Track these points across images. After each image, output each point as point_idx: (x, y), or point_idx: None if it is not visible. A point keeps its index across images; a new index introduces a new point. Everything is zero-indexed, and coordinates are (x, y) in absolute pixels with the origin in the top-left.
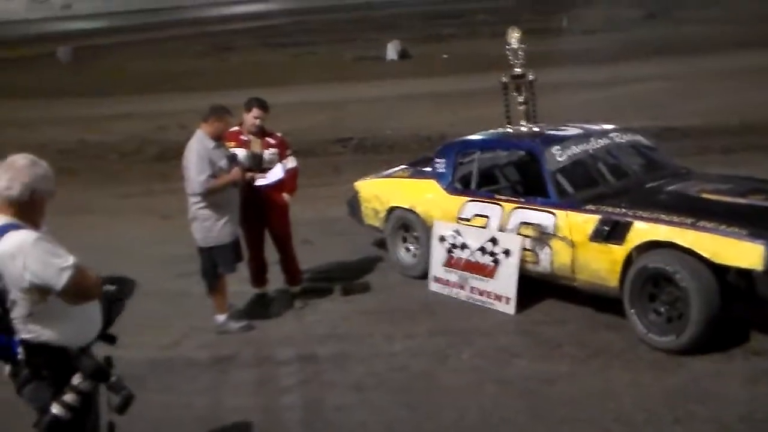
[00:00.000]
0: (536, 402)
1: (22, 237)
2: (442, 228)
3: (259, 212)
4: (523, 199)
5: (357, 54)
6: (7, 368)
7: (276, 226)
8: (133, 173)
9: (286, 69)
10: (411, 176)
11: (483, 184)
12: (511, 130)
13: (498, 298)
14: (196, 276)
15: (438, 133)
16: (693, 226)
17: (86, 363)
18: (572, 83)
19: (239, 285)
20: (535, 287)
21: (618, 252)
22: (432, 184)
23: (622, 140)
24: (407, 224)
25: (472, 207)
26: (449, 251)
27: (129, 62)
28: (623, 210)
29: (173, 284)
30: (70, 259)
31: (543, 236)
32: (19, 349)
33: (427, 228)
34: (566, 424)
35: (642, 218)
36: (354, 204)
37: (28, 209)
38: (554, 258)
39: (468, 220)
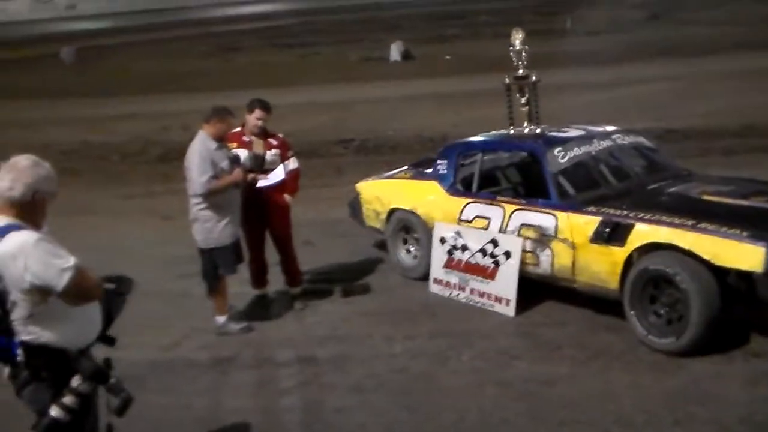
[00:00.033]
0: (536, 404)
1: (23, 238)
2: (443, 229)
3: (261, 213)
4: (524, 201)
5: (361, 55)
6: (7, 370)
7: (277, 227)
8: (135, 174)
9: (291, 70)
10: (412, 178)
11: (484, 186)
12: (513, 132)
13: (498, 299)
14: (196, 277)
15: (440, 134)
16: (694, 228)
17: (85, 365)
18: (575, 84)
19: (240, 286)
20: (535, 289)
21: (618, 254)
22: (433, 185)
23: (624, 142)
24: (408, 226)
25: (473, 208)
26: (450, 253)
27: (133, 63)
28: (624, 212)
29: (174, 285)
30: (71, 260)
31: (544, 238)
32: (19, 351)
33: (427, 229)
34: (566, 426)
35: (643, 220)
36: (355, 205)
37: (29, 210)
38: (555, 260)
39: (469, 221)
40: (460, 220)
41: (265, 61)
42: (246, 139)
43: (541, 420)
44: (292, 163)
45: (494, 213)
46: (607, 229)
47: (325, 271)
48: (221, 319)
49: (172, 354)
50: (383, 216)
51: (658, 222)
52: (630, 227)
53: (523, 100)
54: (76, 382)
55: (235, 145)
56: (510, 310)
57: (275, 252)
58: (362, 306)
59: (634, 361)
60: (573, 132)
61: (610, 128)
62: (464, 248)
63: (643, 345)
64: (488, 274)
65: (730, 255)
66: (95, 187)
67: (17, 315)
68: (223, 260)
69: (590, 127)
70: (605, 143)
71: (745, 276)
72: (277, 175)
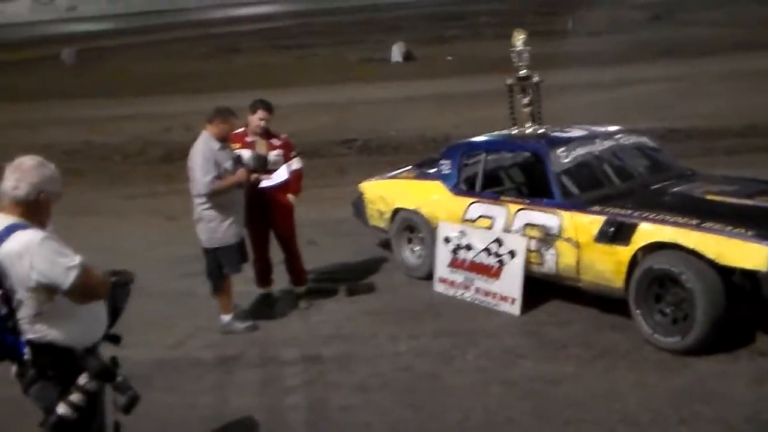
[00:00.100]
0: (541, 403)
1: (29, 236)
2: (447, 229)
3: (264, 213)
4: (528, 201)
5: (362, 56)
6: (14, 368)
7: (281, 226)
8: (138, 174)
9: (291, 71)
10: (416, 177)
11: (488, 186)
12: (516, 132)
13: (503, 298)
14: (201, 276)
15: (443, 135)
16: (698, 228)
17: (92, 363)
18: (577, 85)
19: (244, 285)
20: (540, 288)
21: (623, 253)
22: (437, 185)
23: (627, 142)
24: (412, 225)
25: (477, 208)
26: (454, 252)
27: (133, 64)
28: (628, 211)
29: (178, 284)
30: (77, 259)
31: (548, 237)
32: (26, 349)
33: (432, 229)
34: (571, 425)
35: (647, 219)
36: (359, 205)
37: (34, 210)
38: (559, 259)
39: (473, 221)
40: (464, 220)
41: (264, 63)
42: (249, 139)
43: (546, 419)
44: (295, 164)
45: (498, 212)
46: (612, 229)
47: (329, 270)
48: (226, 318)
49: (177, 353)
50: (387, 216)
51: (663, 221)
52: (634, 226)
53: (525, 101)
54: (83, 380)
55: (238, 145)
56: (515, 309)
57: (280, 251)
58: (367, 305)
59: (639, 360)
60: (576, 132)
61: (612, 128)
62: (469, 247)
63: (649, 344)
64: (493, 273)
65: (734, 254)
66: (98, 188)
67: (23, 314)
68: (227, 259)
69: (593, 128)
70: (608, 143)
71: (750, 275)
72: (281, 175)
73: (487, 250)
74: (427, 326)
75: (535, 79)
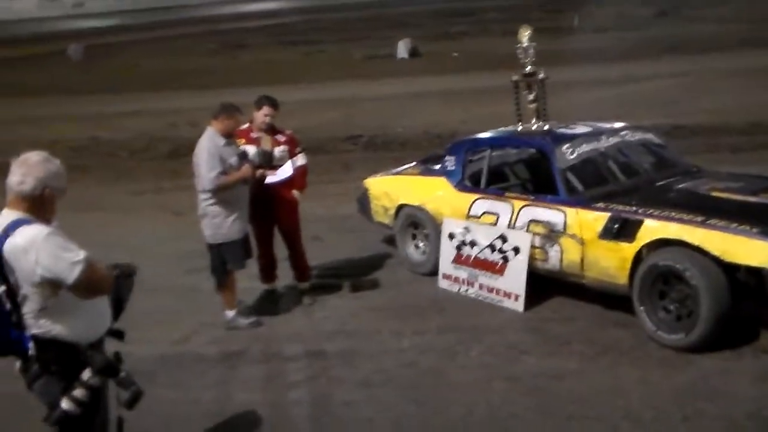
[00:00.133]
0: (545, 399)
1: (34, 231)
2: (452, 225)
3: (269, 209)
4: (532, 197)
5: (368, 52)
6: (18, 363)
7: (285, 222)
8: (144, 170)
9: (298, 67)
10: (421, 174)
11: (493, 182)
12: (521, 128)
13: (507, 295)
14: (206, 272)
15: (449, 131)
16: (703, 224)
17: (96, 358)
18: (583, 81)
19: (248, 281)
20: (544, 284)
21: (628, 250)
22: (442, 181)
23: (632, 138)
24: (417, 221)
25: (482, 204)
26: (458, 248)
27: (140, 60)
28: (633, 208)
29: (183, 280)
30: (81, 254)
31: (552, 234)
32: (30, 345)
33: (436, 225)
34: (575, 421)
35: (652, 216)
36: (364, 201)
37: (39, 205)
38: (563, 255)
39: (477, 217)
40: (468, 216)
41: (270, 59)
42: (254, 135)
43: (549, 415)
44: (300, 160)
45: (503, 209)
46: (616, 225)
47: (333, 266)
48: (230, 313)
49: (181, 348)
50: (392, 212)
51: (668, 218)
52: (639, 223)
53: (531, 97)
54: (86, 375)
55: (243, 141)
56: (519, 306)
57: (284, 247)
58: (371, 301)
59: (643, 356)
60: (581, 129)
61: (618, 125)
62: (473, 244)
63: (652, 341)
64: (497, 269)
65: (739, 251)
66: (104, 184)
67: (28, 309)
68: (231, 255)
69: (598, 124)
70: (613, 140)
71: (754, 272)
72: (286, 171)
73: (491, 246)
74: (431, 322)
75: (541, 75)
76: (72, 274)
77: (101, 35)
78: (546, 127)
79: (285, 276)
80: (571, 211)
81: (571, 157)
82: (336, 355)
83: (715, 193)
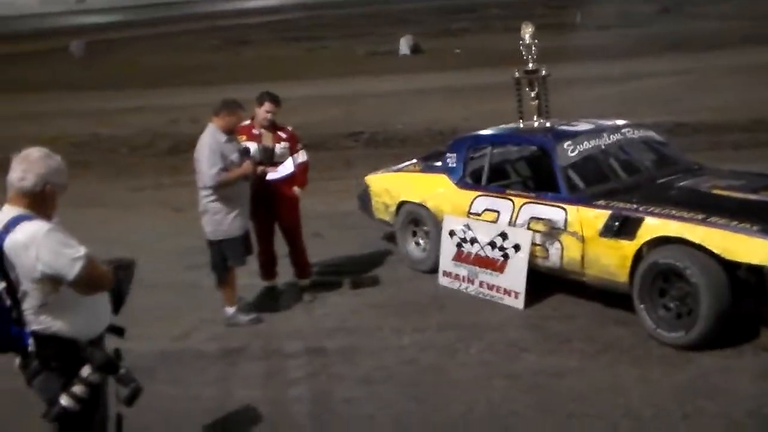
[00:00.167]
0: (545, 396)
1: (35, 227)
2: (452, 222)
3: (270, 206)
4: (533, 194)
5: (370, 48)
6: (18, 360)
7: (286, 219)
8: (145, 166)
9: (300, 63)
10: (422, 171)
11: (494, 179)
12: (522, 125)
13: (507, 292)
14: (206, 268)
15: (450, 128)
16: (704, 222)
17: (95, 355)
18: (585, 78)
19: (249, 278)
20: (544, 282)
21: (628, 247)
22: (443, 178)
23: (634, 136)
24: (417, 218)
25: (483, 202)
26: (459, 245)
27: (142, 56)
28: (634, 205)
29: (184, 276)
30: (82, 250)
31: (553, 231)
32: (30, 341)
33: (437, 222)
34: (575, 419)
35: (653, 214)
36: (364, 198)
37: (40, 201)
38: (564, 253)
39: (478, 214)
40: (469, 213)
41: (272, 55)
42: (255, 131)
43: (549, 412)
44: (301, 156)
45: (503, 206)
46: (617, 223)
47: (334, 263)
48: (230, 310)
49: (181, 345)
50: (392, 209)
51: (668, 216)
52: (640, 221)
53: (533, 94)
54: (86, 372)
55: (244, 137)
56: (519, 303)
57: (284, 244)
58: (371, 298)
59: (643, 354)
60: (583, 126)
61: (619, 122)
62: (473, 241)
63: (653, 339)
64: (497, 267)
65: (740, 249)
66: (105, 180)
67: (28, 305)
68: (232, 252)
69: (600, 121)
70: (615, 137)
71: (755, 270)
72: (287, 167)
73: (491, 243)
74: (431, 319)
75: (543, 72)
76: (72, 271)
77: (103, 31)
78: (547, 125)
79: (285, 273)
80: (571, 209)
81: (573, 154)
82: (336, 352)
83: (716, 191)
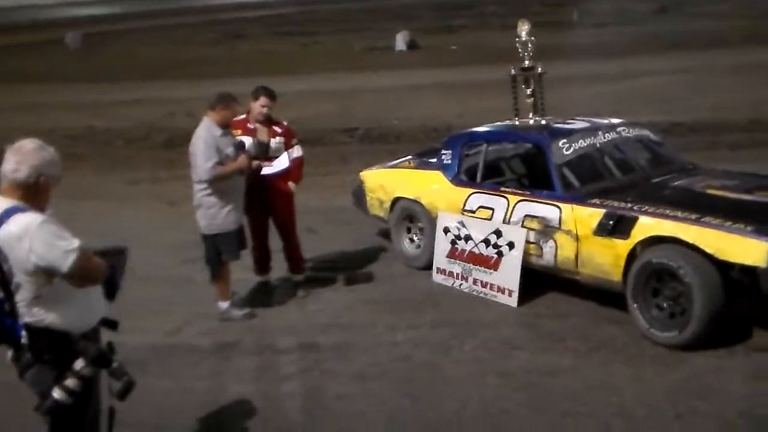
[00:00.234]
0: (538, 394)
1: (28, 219)
2: (447, 219)
3: (264, 200)
4: (528, 192)
5: (366, 44)
6: (10, 352)
7: (280, 214)
8: (140, 160)
9: (295, 58)
10: (416, 167)
11: (489, 176)
12: (518, 123)
13: (501, 290)
14: (200, 262)
15: (445, 124)
16: (698, 222)
17: (88, 348)
18: (582, 76)
19: (242, 272)
20: (538, 280)
21: (622, 246)
22: (437, 175)
23: (629, 135)
24: (412, 215)
25: (477, 199)
26: (453, 243)
27: (138, 49)
28: (628, 204)
29: (178, 270)
30: (75, 242)
31: (547, 229)
32: (23, 333)
33: (431, 219)
34: (567, 417)
35: (647, 213)
36: (359, 194)
37: (34, 193)
38: (558, 251)
39: (473, 211)
40: (463, 210)
41: (267, 49)
42: (251, 126)
43: (542, 411)
44: (297, 151)
45: (498, 203)
46: (611, 222)
47: (328, 259)
48: (224, 304)
49: (174, 339)
50: (387, 205)
51: (662, 215)
52: (634, 220)
53: (528, 92)
54: (79, 365)
55: (239, 132)
56: (513, 301)
57: (278, 239)
58: (365, 294)
59: (636, 354)
60: (578, 124)
61: (615, 121)
62: (468, 238)
63: (646, 338)
64: (491, 264)
65: (733, 249)
66: (100, 172)
67: (21, 297)
68: (226, 246)
69: (595, 120)
70: (610, 136)
71: (748, 270)
72: (282, 162)
73: (486, 241)
74: (425, 316)
75: (539, 70)
76: (66, 263)
77: (99, 23)
78: (543, 122)
79: (279, 268)
80: (566, 207)
81: (568, 152)
82: (329, 348)
83: (710, 191)
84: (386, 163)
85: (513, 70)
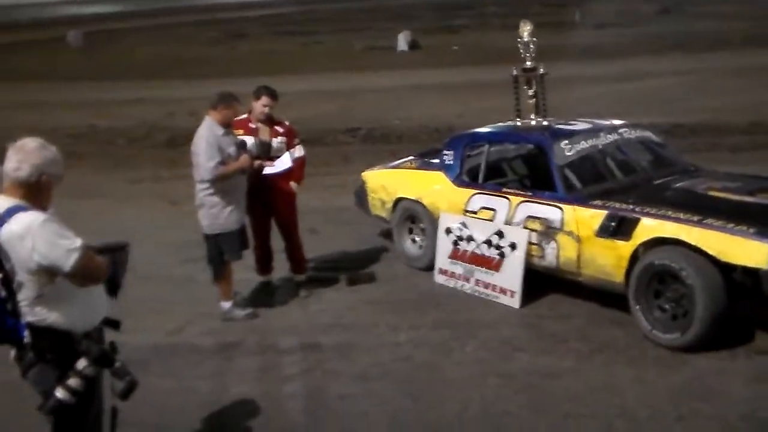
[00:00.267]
0: (539, 396)
1: (30, 218)
2: (449, 220)
3: (266, 200)
4: (530, 193)
5: (367, 44)
6: (13, 351)
7: (282, 214)
8: (142, 159)
9: (297, 58)
10: (418, 167)
11: (491, 177)
12: (520, 124)
13: (503, 291)
14: (202, 262)
15: (446, 125)
16: (700, 224)
17: (91, 348)
18: (584, 77)
19: (245, 272)
20: (540, 281)
21: (624, 248)
22: (439, 175)
23: (631, 136)
24: (414, 215)
25: (479, 199)
26: (455, 243)
27: (140, 48)
28: (630, 206)
29: (180, 269)
30: (78, 241)
31: (549, 230)
32: (26, 333)
33: (433, 220)
34: (570, 419)
35: (649, 215)
36: (361, 194)
37: (36, 192)
38: (560, 252)
39: (475, 212)
40: (465, 211)
41: (269, 49)
42: (252, 125)
43: (543, 412)
44: (298, 151)
45: (500, 204)
46: (613, 223)
47: (330, 259)
48: (226, 304)
49: (176, 339)
50: (389, 205)
51: (665, 217)
52: (636, 221)
53: (530, 93)
54: (81, 364)
55: (241, 131)
56: (515, 302)
57: (280, 239)
58: (367, 295)
59: (638, 355)
60: (580, 125)
61: (617, 122)
62: (470, 239)
63: (648, 340)
64: (493, 265)
65: (736, 251)
66: (102, 171)
67: (24, 296)
68: (228, 246)
69: (597, 121)
70: (612, 137)
71: (750, 272)
72: (284, 162)
73: (488, 242)
74: (427, 317)
75: (541, 71)
76: (68, 262)
77: (101, 22)
78: (545, 123)
79: (281, 268)
80: (568, 208)
81: (570, 153)
82: (332, 348)
83: (712, 193)
84: (388, 163)
85: (515, 71)
